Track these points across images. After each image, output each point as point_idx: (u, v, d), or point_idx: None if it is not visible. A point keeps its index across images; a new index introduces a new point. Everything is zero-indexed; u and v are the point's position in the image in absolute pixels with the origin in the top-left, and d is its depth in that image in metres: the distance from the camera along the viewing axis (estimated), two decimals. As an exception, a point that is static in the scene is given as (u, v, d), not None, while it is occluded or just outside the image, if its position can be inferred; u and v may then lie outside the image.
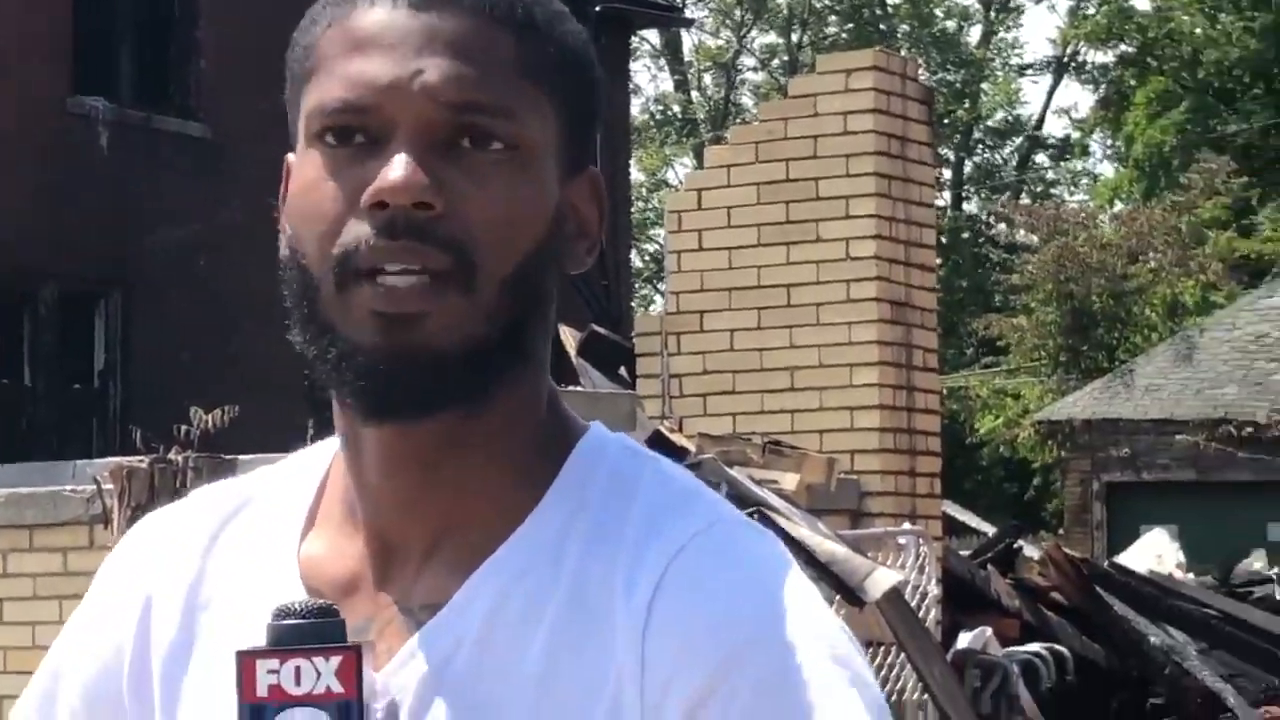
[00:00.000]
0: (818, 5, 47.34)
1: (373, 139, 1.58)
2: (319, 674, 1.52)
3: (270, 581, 1.69)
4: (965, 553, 12.69)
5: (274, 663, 1.52)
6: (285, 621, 1.54)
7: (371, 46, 1.60)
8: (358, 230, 1.55)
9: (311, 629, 1.54)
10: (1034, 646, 11.93)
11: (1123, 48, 46.37)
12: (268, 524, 1.76)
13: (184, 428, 11.48)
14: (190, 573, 1.75)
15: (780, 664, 1.54)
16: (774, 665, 1.54)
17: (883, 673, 10.71)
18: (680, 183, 13.53)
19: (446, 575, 1.64)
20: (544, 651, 1.58)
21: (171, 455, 9.50)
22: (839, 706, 1.54)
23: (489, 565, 1.62)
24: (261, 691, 1.52)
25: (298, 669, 1.52)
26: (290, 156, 1.69)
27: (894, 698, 10.70)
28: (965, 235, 44.25)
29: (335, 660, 1.52)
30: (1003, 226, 44.86)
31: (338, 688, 1.52)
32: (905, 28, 46.10)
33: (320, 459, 1.78)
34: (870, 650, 10.87)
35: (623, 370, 12.07)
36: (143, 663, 1.74)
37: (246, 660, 1.53)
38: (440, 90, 1.57)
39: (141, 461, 9.49)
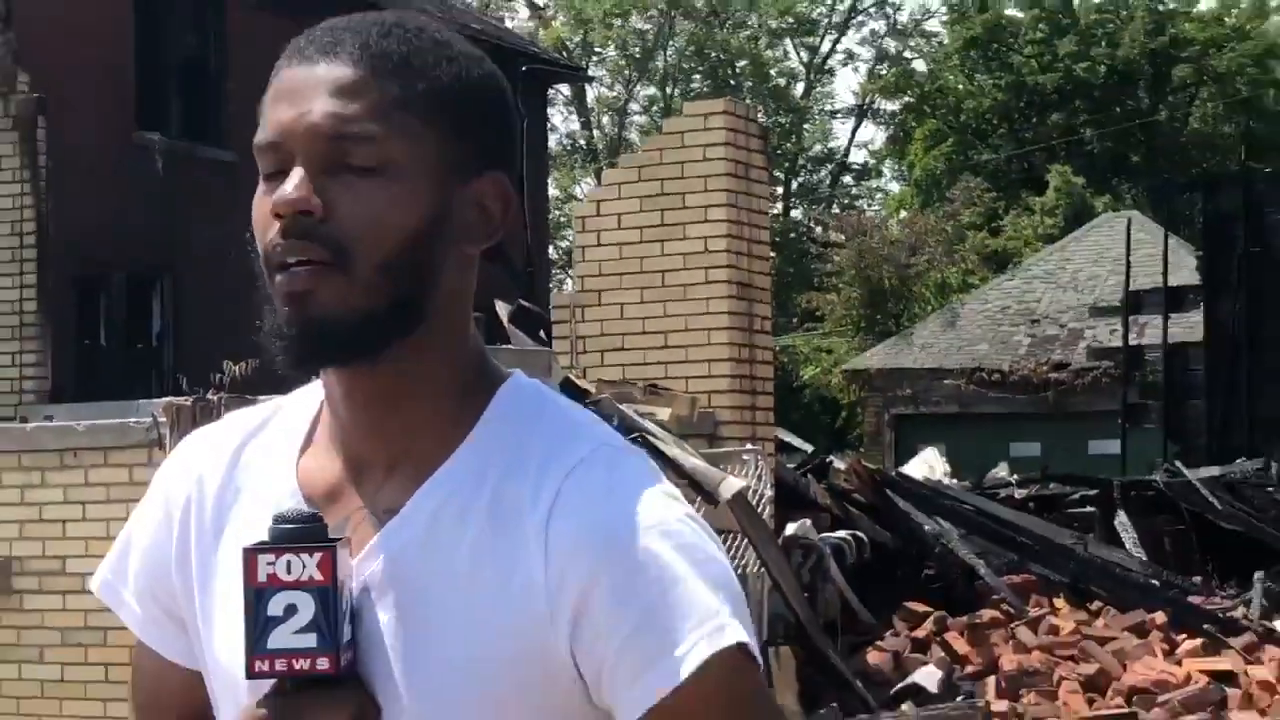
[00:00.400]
0: (686, 67, 47.00)
1: (282, 168, 1.56)
2: (304, 566, 1.49)
3: (277, 487, 1.65)
4: (791, 465, 12.71)
5: (271, 557, 1.50)
6: (281, 525, 1.51)
7: (281, 97, 1.58)
8: (272, 235, 1.56)
9: (300, 532, 1.50)
10: (840, 533, 11.88)
11: (906, 99, 46.24)
12: (278, 442, 1.71)
13: (219, 376, 11.45)
14: (222, 474, 1.70)
15: (643, 553, 1.49)
16: (639, 554, 1.49)
17: (732, 552, 10.72)
18: (584, 196, 13.60)
19: (401, 488, 1.59)
20: (470, 550, 1.55)
21: (209, 396, 9.42)
22: (683, 579, 1.49)
23: (430, 482, 1.58)
24: (261, 578, 1.49)
25: (289, 562, 1.49)
26: None
27: (741, 570, 10.73)
28: (792, 235, 43.99)
29: (317, 556, 1.49)
30: (819, 229, 44.78)
31: (318, 576, 1.48)
32: (749, 83, 45.78)
33: (316, 394, 1.71)
34: (723, 536, 10.94)
35: (542, 334, 12.03)
36: (184, 540, 1.70)
37: (250, 554, 1.51)
38: (318, 126, 1.54)
39: (187, 401, 9.39)
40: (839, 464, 13.54)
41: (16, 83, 13.99)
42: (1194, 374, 23.97)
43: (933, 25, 48.10)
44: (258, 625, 1.50)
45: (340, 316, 1.54)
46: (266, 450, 1.71)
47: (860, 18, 49.33)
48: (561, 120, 46.48)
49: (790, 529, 11.31)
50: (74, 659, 9.24)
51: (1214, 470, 18.06)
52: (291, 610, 1.49)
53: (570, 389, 10.15)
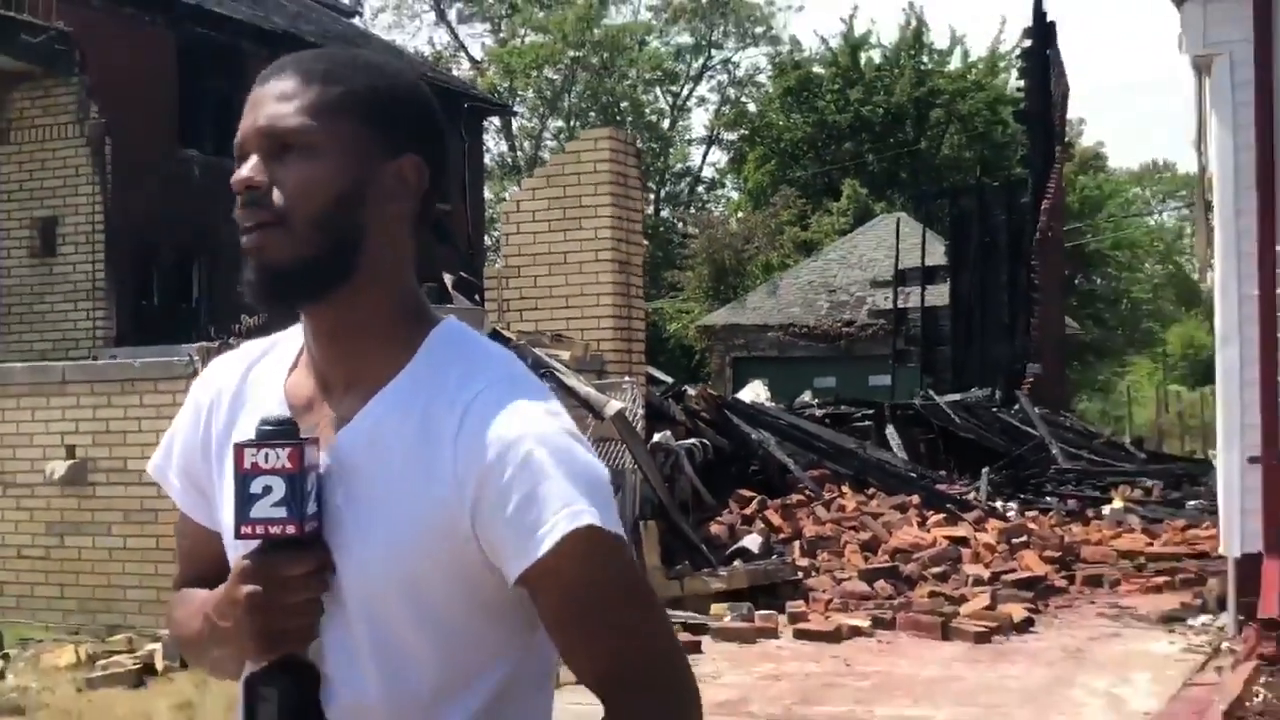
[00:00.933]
0: (584, 106, 46.80)
1: (242, 158, 1.57)
2: (278, 457, 1.48)
3: (270, 398, 1.63)
4: (658, 393, 12.79)
5: (254, 450, 1.48)
6: (263, 427, 1.50)
7: (245, 113, 1.58)
8: (236, 208, 1.56)
9: (276, 432, 1.49)
10: (691, 441, 11.97)
11: (742, 131, 46.29)
12: (274, 364, 1.68)
13: (238, 327, 11.33)
14: (235, 385, 1.68)
15: (524, 456, 1.48)
16: (520, 457, 1.48)
17: (614, 455, 10.74)
18: (509, 198, 13.57)
19: (355, 402, 1.57)
20: (403, 452, 1.53)
21: (230, 341, 9.35)
22: (552, 477, 1.48)
23: (375, 399, 1.56)
24: (246, 465, 1.48)
25: (266, 454, 1.48)
26: None
27: (620, 467, 10.74)
28: (661, 229, 44.03)
29: (287, 450, 1.48)
30: (680, 225, 44.83)
31: (288, 465, 1.48)
32: (630, 118, 45.67)
33: (301, 332, 1.67)
34: (607, 442, 10.98)
35: (477, 297, 12.03)
36: (208, 433, 1.68)
37: (239, 448, 1.49)
38: (262, 125, 1.54)
39: (214, 345, 9.35)
40: (691, 392, 13.61)
41: (90, 112, 13.75)
42: (942, 328, 24.29)
43: (761, 78, 48.09)
44: (243, 501, 1.49)
45: (286, 263, 1.52)
46: (267, 370, 1.68)
47: (709, 72, 49.34)
48: (494, 143, 46.22)
49: (656, 438, 11.38)
50: (133, 533, 9.17)
51: (955, 396, 18.35)
52: (268, 490, 1.48)
53: (497, 337, 10.16)
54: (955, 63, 43.50)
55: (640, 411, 11.22)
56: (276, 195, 1.53)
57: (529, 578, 1.48)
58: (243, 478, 1.49)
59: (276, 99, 1.56)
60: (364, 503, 1.54)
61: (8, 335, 13.99)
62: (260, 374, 1.68)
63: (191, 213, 17.98)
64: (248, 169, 1.55)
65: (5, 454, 9.69)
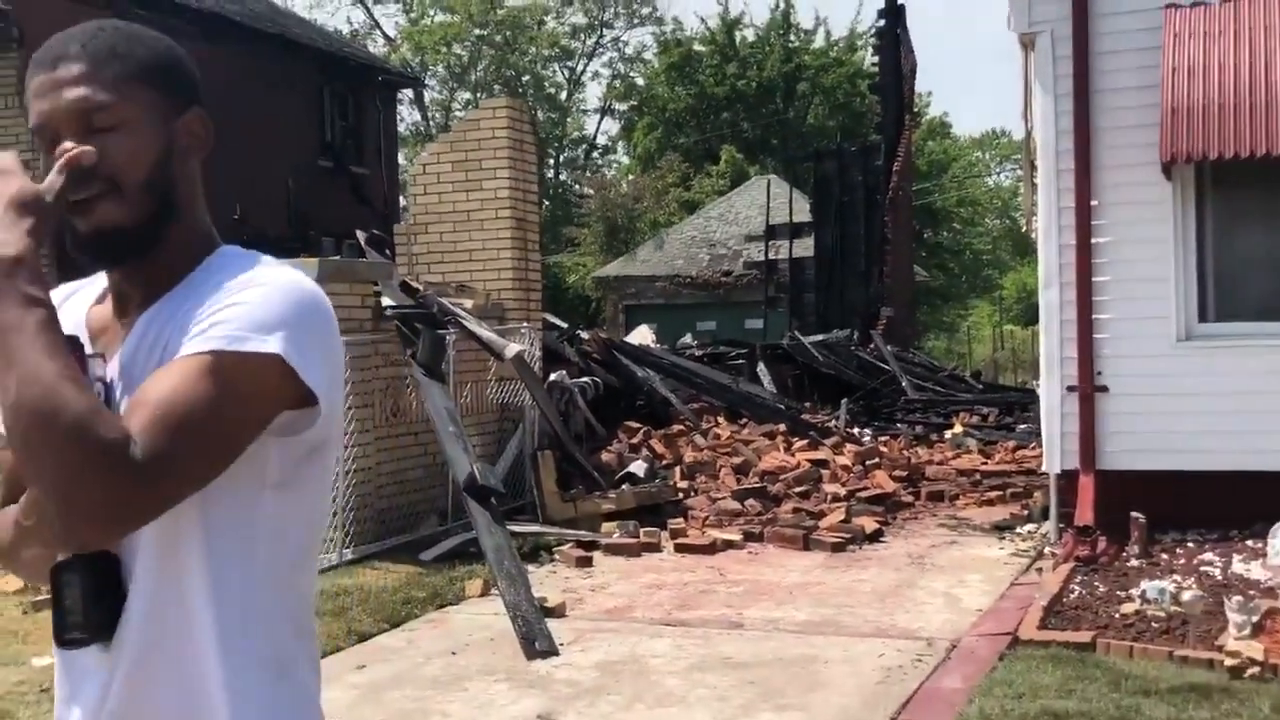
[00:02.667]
0: (489, 79, 46.22)
1: (54, 141, 1.54)
2: None
3: (72, 327, 1.57)
4: (554, 336, 12.72)
5: None
6: None
7: (37, 95, 1.55)
8: (58, 183, 1.50)
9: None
10: (584, 379, 11.94)
11: (631, 102, 46.11)
12: (81, 300, 1.67)
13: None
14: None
15: (228, 299, 1.50)
16: (227, 298, 1.50)
17: (516, 392, 10.72)
18: (417, 162, 13.51)
19: (138, 317, 1.58)
20: (166, 342, 1.51)
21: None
22: (246, 308, 1.49)
23: (153, 307, 1.57)
24: None
25: None
26: None
27: (520, 404, 10.71)
28: (560, 191, 43.90)
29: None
30: (577, 186, 44.57)
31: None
32: (531, 91, 45.26)
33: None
34: (509, 382, 10.93)
35: (388, 251, 11.86)
36: None
37: None
38: (70, 106, 1.53)
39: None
40: (584, 335, 13.53)
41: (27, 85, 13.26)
42: (808, 277, 24.45)
43: (648, 55, 47.87)
44: None
45: (124, 226, 1.54)
46: (73, 305, 1.67)
47: (601, 49, 49.01)
48: (408, 113, 45.53)
49: (552, 377, 11.32)
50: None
51: (818, 337, 18.48)
52: None
53: (406, 287, 9.99)
54: (819, 41, 43.64)
55: (538, 353, 11.16)
56: (107, 167, 1.53)
57: (171, 361, 1.49)
58: None
59: (74, 81, 1.54)
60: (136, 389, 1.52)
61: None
62: (68, 309, 1.65)
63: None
64: (74, 144, 1.52)
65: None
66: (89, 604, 1.52)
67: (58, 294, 1.69)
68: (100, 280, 1.69)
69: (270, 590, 1.57)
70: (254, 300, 1.50)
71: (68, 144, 1.52)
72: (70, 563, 1.52)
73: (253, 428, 1.51)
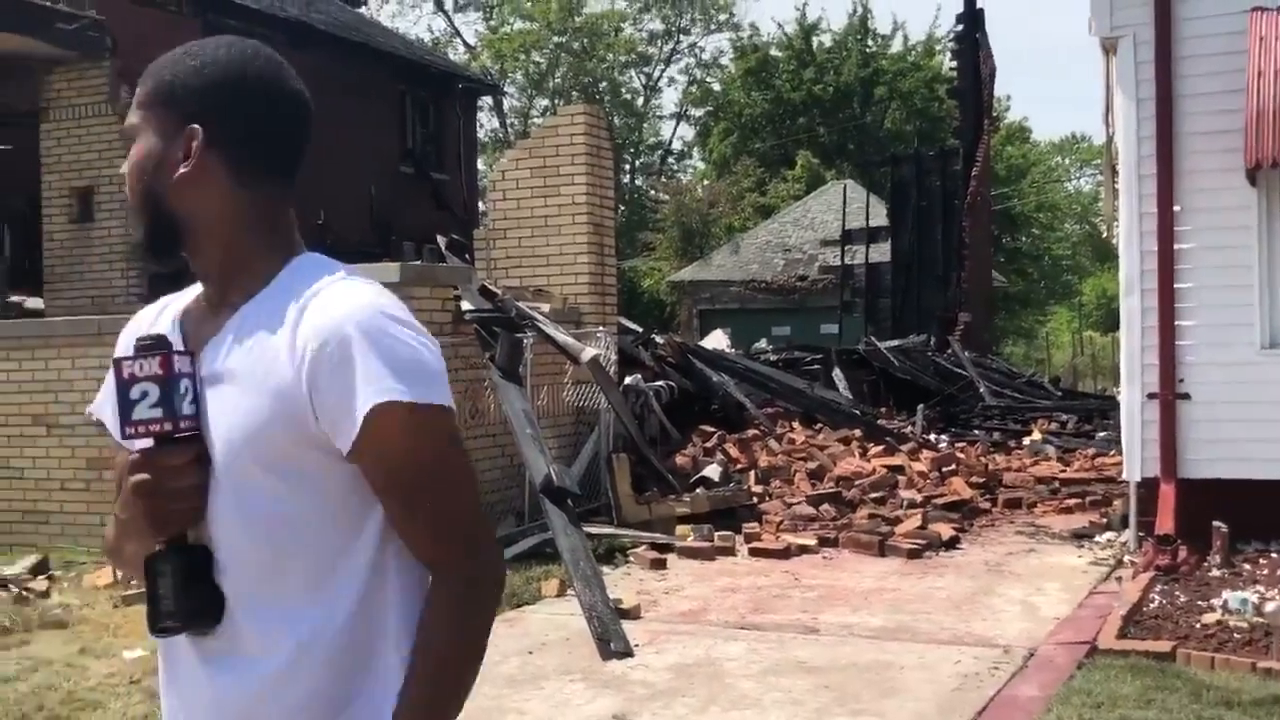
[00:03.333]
0: (566, 86, 46.42)
1: None
2: (150, 366, 1.53)
3: (167, 329, 1.66)
4: (629, 340, 12.75)
5: (130, 361, 1.54)
6: (138, 344, 1.56)
7: None
8: None
9: (148, 346, 1.55)
10: (659, 383, 11.94)
11: (707, 108, 46.12)
12: (179, 305, 1.72)
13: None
14: (149, 326, 1.71)
15: (343, 342, 1.52)
16: (339, 345, 1.52)
17: (592, 395, 10.76)
18: (497, 168, 13.51)
19: (226, 320, 1.62)
20: (255, 353, 1.56)
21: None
22: (366, 357, 1.51)
23: (235, 315, 1.61)
24: (125, 375, 1.54)
25: (140, 364, 1.53)
26: None
27: (596, 406, 10.74)
28: (635, 196, 43.99)
29: (157, 359, 1.53)
30: (652, 192, 44.59)
31: (159, 371, 1.53)
32: (608, 97, 45.39)
33: None
34: (585, 385, 10.98)
35: (468, 256, 11.97)
36: None
37: (116, 362, 1.56)
38: (125, 119, 1.67)
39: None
40: (659, 340, 13.56)
41: (121, 92, 13.57)
42: (884, 282, 24.28)
43: (724, 60, 47.83)
44: (125, 406, 1.54)
45: (137, 239, 1.66)
46: (173, 310, 1.72)
47: (678, 55, 49.05)
48: (487, 120, 45.89)
49: (627, 380, 11.35)
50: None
51: (894, 342, 18.36)
52: (144, 395, 1.53)
53: (485, 292, 10.07)
54: (896, 46, 43.38)
55: (613, 357, 11.19)
56: (127, 179, 1.66)
57: (353, 454, 1.53)
58: (123, 386, 1.54)
59: (137, 99, 1.67)
60: (225, 398, 1.58)
61: (51, 292, 13.87)
62: (169, 315, 1.73)
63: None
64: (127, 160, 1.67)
65: (49, 398, 9.64)
66: (180, 593, 1.56)
67: (158, 304, 1.77)
68: (194, 290, 1.74)
69: (363, 588, 1.60)
70: (354, 346, 1.54)
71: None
72: (163, 553, 1.57)
73: None
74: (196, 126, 1.61)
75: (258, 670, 1.58)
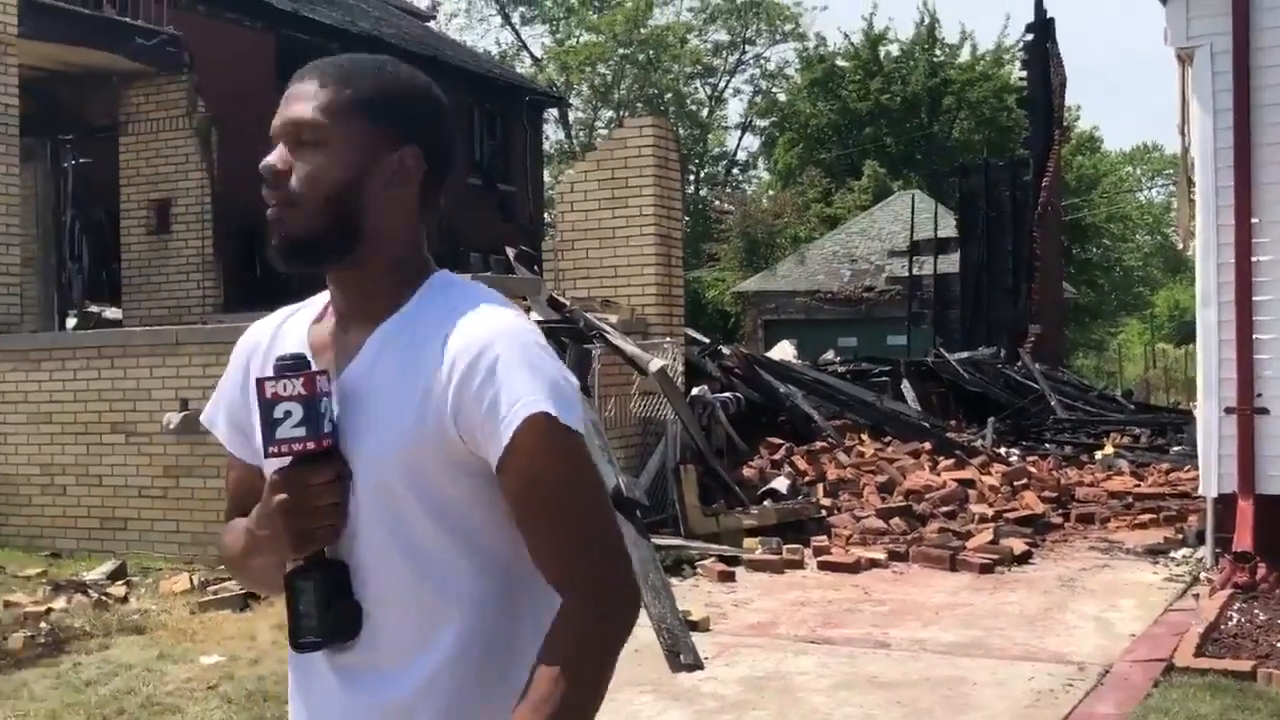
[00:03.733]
0: (631, 98, 46.55)
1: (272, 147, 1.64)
2: (293, 386, 1.54)
3: (295, 345, 1.67)
4: (696, 351, 12.76)
5: (274, 381, 1.55)
6: (280, 363, 1.57)
7: (281, 104, 1.66)
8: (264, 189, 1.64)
9: (290, 366, 1.55)
10: (726, 394, 11.94)
11: (772, 118, 46.02)
12: (302, 319, 1.74)
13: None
14: (268, 339, 1.74)
15: (493, 359, 1.54)
16: (490, 360, 1.54)
17: (658, 406, 10.78)
18: (564, 180, 13.49)
19: (364, 337, 1.63)
20: (398, 369, 1.60)
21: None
22: (515, 373, 1.54)
23: (376, 332, 1.63)
24: (268, 395, 1.55)
25: (284, 384, 1.54)
26: None
27: (662, 417, 10.74)
28: (700, 206, 43.90)
29: (300, 379, 1.54)
30: (717, 202, 44.52)
31: (302, 391, 1.54)
32: (673, 108, 45.47)
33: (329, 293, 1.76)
34: (652, 396, 11.00)
35: (536, 267, 12.03)
36: (248, 386, 1.71)
37: (260, 381, 1.57)
38: (288, 120, 1.62)
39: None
40: (726, 351, 13.55)
41: (198, 106, 13.83)
42: (953, 293, 24.08)
43: (790, 71, 47.74)
44: (268, 425, 1.56)
45: (300, 235, 1.61)
46: (295, 324, 1.74)
47: (743, 66, 49.03)
48: (553, 132, 46.15)
49: (694, 391, 11.35)
50: (239, 475, 9.25)
51: (964, 354, 18.22)
52: (288, 414, 1.55)
53: (553, 303, 10.14)
54: (965, 55, 43.01)
55: (680, 368, 11.20)
56: (294, 180, 1.61)
57: (500, 466, 1.54)
58: (266, 406, 1.55)
59: (301, 98, 1.64)
60: (369, 414, 1.60)
61: (130, 302, 14.15)
62: (289, 328, 1.74)
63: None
64: (273, 156, 1.62)
65: (127, 406, 9.82)
66: (322, 609, 1.58)
67: (274, 316, 1.79)
68: (317, 299, 1.76)
69: (495, 603, 1.63)
70: (505, 360, 1.57)
71: (273, 153, 1.63)
72: (305, 569, 1.60)
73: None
74: (417, 149, 1.65)
75: (392, 686, 1.61)
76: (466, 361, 1.56)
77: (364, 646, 1.62)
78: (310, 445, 1.56)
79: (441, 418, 1.56)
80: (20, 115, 11.02)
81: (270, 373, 1.60)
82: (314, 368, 1.59)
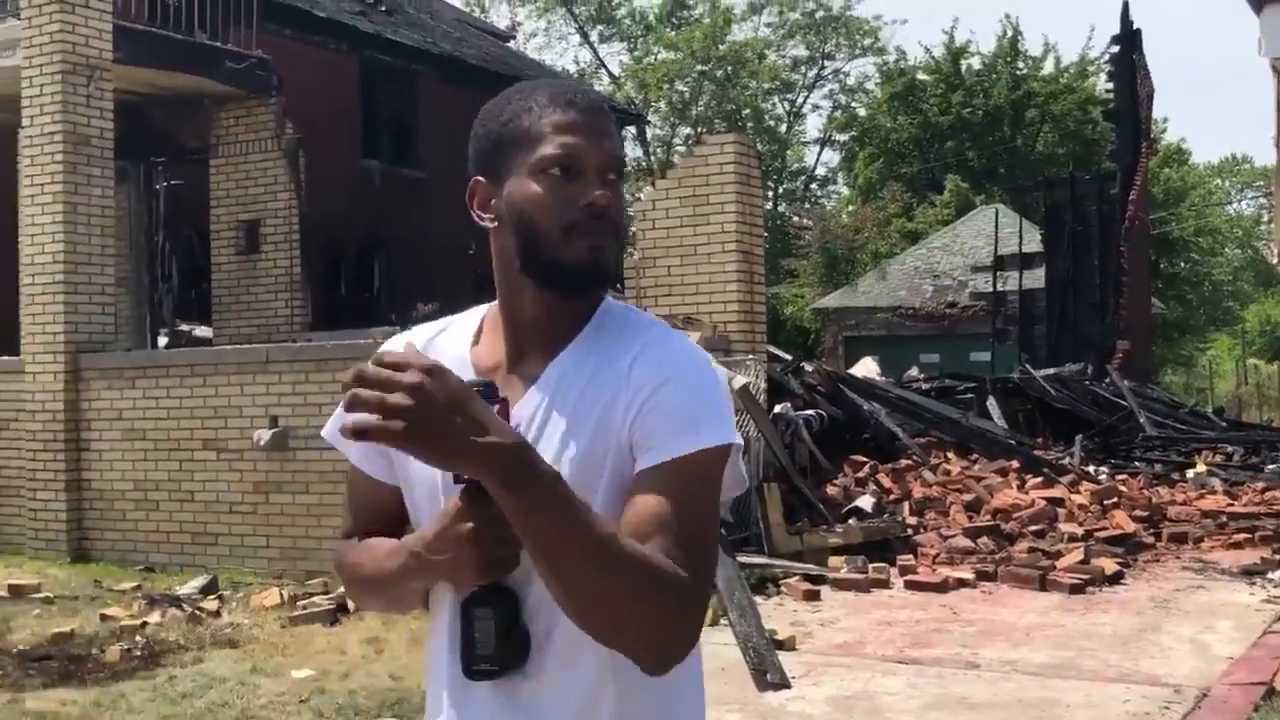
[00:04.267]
0: (710, 115, 46.64)
1: (569, 172, 1.62)
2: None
3: (458, 365, 1.61)
4: (778, 368, 12.72)
5: None
6: (473, 389, 1.48)
7: (572, 130, 1.63)
8: (575, 214, 1.61)
9: (484, 395, 1.48)
10: (809, 412, 11.84)
11: (852, 133, 45.83)
12: (453, 339, 1.74)
13: (413, 313, 11.53)
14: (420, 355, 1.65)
15: (681, 378, 1.58)
16: (681, 380, 1.57)
17: (741, 424, 10.74)
18: (645, 197, 13.53)
19: (540, 366, 1.65)
20: (580, 394, 1.61)
21: (409, 325, 9.46)
22: (708, 396, 1.58)
23: (557, 359, 1.64)
24: None
25: None
26: (480, 179, 1.70)
27: (745, 435, 10.72)
28: (779, 222, 43.75)
29: (495, 408, 1.48)
30: (795, 218, 44.40)
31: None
32: (751, 124, 45.47)
33: (478, 312, 1.77)
34: (735, 413, 10.95)
35: (618, 285, 12.07)
36: None
37: None
38: (610, 156, 1.65)
39: (394, 328, 9.48)
40: (809, 368, 13.48)
41: (286, 128, 14.08)
42: (1038, 309, 23.77)
43: (869, 85, 47.53)
44: None
45: (611, 267, 1.65)
46: (446, 344, 1.73)
47: (822, 81, 48.90)
48: (631, 149, 46.29)
49: (777, 409, 11.31)
50: (327, 491, 9.40)
51: (1050, 370, 17.96)
52: None
53: (637, 320, 10.17)
54: (1048, 68, 42.53)
55: (763, 385, 11.16)
56: (616, 213, 1.65)
57: (664, 467, 1.55)
58: None
59: (609, 135, 1.68)
60: (551, 439, 1.60)
61: (219, 321, 14.42)
62: (439, 347, 1.72)
63: (372, 214, 18.35)
64: (603, 189, 1.64)
65: (218, 423, 10.01)
66: (501, 638, 1.59)
67: (419, 334, 1.79)
68: (462, 321, 1.77)
69: None
70: (697, 383, 1.60)
71: (601, 187, 1.63)
72: (484, 598, 1.59)
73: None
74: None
75: (553, 713, 1.61)
76: (660, 378, 1.58)
77: (529, 675, 1.62)
78: None
79: (621, 437, 1.59)
80: (114, 138, 11.29)
81: None
82: (503, 395, 1.56)
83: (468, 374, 1.64)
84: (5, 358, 11.34)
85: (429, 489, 1.67)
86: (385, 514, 1.74)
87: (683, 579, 1.50)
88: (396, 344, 1.75)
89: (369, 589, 1.77)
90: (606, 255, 1.63)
